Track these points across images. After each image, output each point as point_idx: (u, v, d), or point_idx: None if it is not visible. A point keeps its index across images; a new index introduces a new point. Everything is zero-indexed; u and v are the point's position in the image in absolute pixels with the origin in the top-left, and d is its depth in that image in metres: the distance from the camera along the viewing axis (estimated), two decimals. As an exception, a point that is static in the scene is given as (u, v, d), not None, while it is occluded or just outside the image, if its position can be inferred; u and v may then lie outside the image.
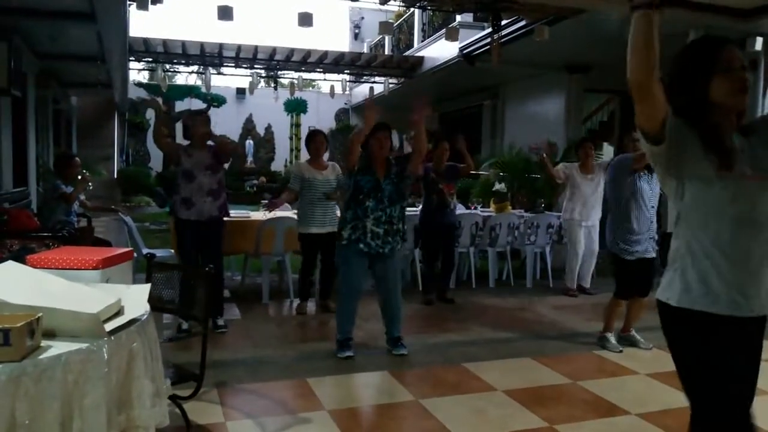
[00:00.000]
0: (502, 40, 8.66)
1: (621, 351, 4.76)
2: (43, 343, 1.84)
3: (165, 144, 5.05)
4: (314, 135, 5.84)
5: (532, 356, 4.60)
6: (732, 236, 1.84)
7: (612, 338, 4.86)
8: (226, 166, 5.15)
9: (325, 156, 5.92)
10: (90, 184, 6.11)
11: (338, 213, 5.75)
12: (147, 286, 2.40)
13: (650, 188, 4.66)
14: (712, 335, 1.89)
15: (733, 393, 1.89)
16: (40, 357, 1.77)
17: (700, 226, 1.89)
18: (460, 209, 7.39)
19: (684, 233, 1.94)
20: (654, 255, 4.77)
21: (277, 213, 6.70)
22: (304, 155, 17.73)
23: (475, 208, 7.89)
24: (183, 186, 4.84)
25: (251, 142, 20.54)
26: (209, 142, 5.00)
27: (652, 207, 4.70)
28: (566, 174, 6.71)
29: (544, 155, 7.25)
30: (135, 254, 5.36)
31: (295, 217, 6.29)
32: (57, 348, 1.84)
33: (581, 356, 4.69)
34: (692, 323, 1.92)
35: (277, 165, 20.71)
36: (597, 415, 3.54)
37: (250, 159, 20.20)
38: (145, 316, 2.20)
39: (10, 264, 2.30)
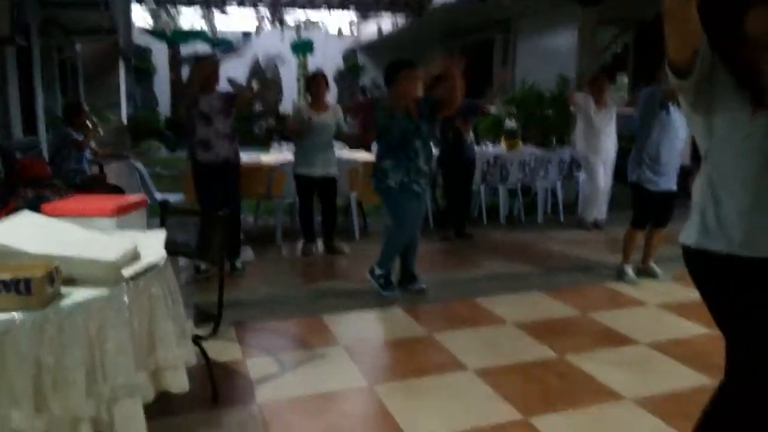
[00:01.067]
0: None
1: (637, 284, 4.80)
2: (64, 290, 1.89)
3: (188, 84, 4.96)
4: (314, 77, 5.80)
5: (543, 290, 4.66)
6: (759, 177, 1.75)
7: (630, 270, 4.90)
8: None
9: (329, 98, 5.86)
10: (100, 130, 6.13)
11: (343, 154, 5.76)
12: (162, 232, 2.44)
13: (680, 121, 4.59)
14: (731, 277, 1.83)
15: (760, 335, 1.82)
16: (61, 304, 1.82)
17: (726, 165, 1.80)
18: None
19: (708, 173, 1.86)
20: (675, 188, 4.75)
21: (288, 156, 6.71)
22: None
23: (487, 146, 7.83)
24: (200, 128, 4.82)
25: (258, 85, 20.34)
26: (219, 89, 4.96)
27: (682, 139, 4.65)
28: (582, 104, 6.62)
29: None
30: (148, 200, 5.43)
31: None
32: (77, 295, 1.88)
33: (592, 289, 4.74)
34: (711, 265, 1.86)
35: (285, 107, 20.51)
36: (607, 345, 3.62)
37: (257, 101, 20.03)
38: (163, 261, 2.25)
39: (26, 213, 2.34)
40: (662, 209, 4.77)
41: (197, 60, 5.09)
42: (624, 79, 11.70)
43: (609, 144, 6.67)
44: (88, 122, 5.89)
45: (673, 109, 4.56)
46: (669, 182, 4.69)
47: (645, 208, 4.76)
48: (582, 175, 7.25)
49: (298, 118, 5.55)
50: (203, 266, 4.86)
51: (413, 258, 4.64)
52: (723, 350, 3.55)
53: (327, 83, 5.73)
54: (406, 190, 4.34)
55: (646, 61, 10.90)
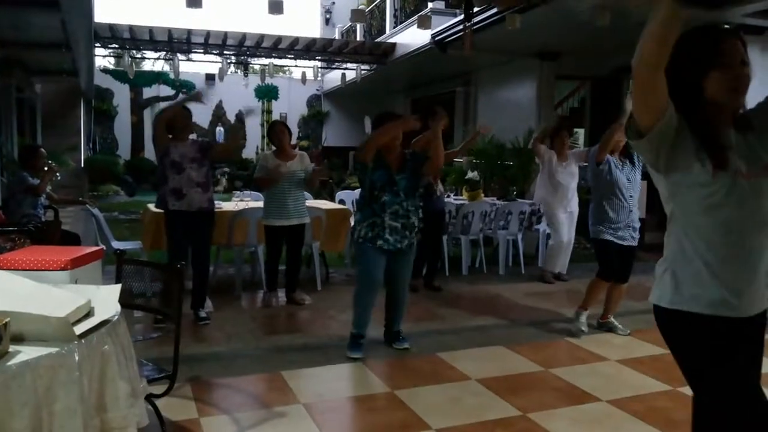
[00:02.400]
0: (474, 28, 8.66)
1: (584, 331, 4.86)
2: (11, 348, 1.80)
3: (160, 134, 4.90)
4: (273, 125, 5.77)
5: (505, 344, 4.65)
6: (725, 236, 1.77)
7: (583, 317, 4.95)
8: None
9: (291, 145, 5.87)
10: (57, 174, 5.99)
11: (306, 203, 5.72)
12: (117, 287, 2.36)
13: (628, 178, 4.71)
14: (705, 336, 1.83)
15: (732, 388, 1.84)
16: (9, 363, 1.73)
17: (692, 225, 1.82)
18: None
19: (676, 232, 1.87)
20: (635, 243, 4.84)
21: (250, 203, 6.65)
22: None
23: (449, 197, 7.91)
24: (171, 177, 4.77)
25: (221, 129, 20.28)
26: (192, 137, 4.97)
27: (631, 197, 4.74)
28: (549, 157, 6.74)
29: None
30: (104, 247, 5.28)
31: (268, 207, 6.25)
32: (26, 353, 1.79)
33: (554, 343, 4.76)
34: (685, 324, 1.85)
35: (249, 152, 20.48)
36: (569, 403, 3.60)
37: (220, 146, 19.96)
38: (117, 317, 2.17)
39: (-25, 266, 2.25)
40: (623, 264, 4.85)
41: (174, 107, 5.06)
42: (580, 134, 12.05)
43: (572, 197, 6.79)
44: (45, 166, 5.75)
45: (615, 166, 4.66)
46: (622, 237, 4.75)
47: (608, 258, 4.81)
48: (543, 228, 7.36)
49: (264, 170, 5.50)
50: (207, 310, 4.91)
51: (397, 316, 4.54)
52: (683, 407, 3.58)
53: (289, 131, 5.72)
54: (368, 245, 4.26)
55: (603, 116, 11.27)
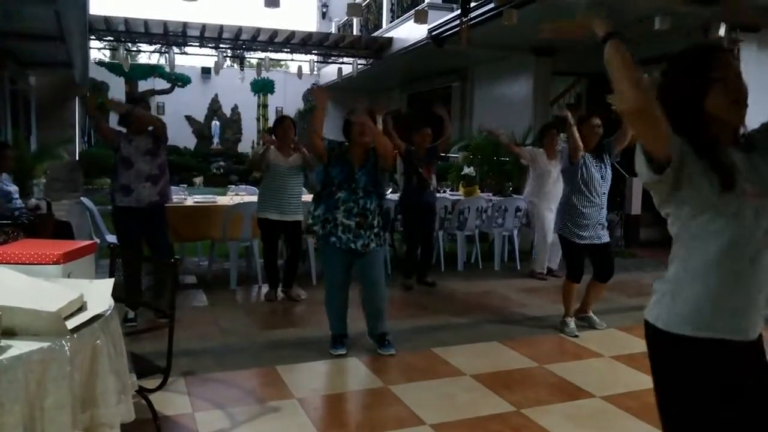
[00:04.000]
0: (471, 23, 8.64)
1: (577, 336, 4.81)
2: (3, 342, 1.79)
3: (103, 129, 4.91)
4: (281, 120, 5.72)
5: (499, 340, 4.65)
6: (728, 258, 1.72)
7: (571, 323, 4.92)
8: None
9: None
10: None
11: (302, 200, 5.69)
12: (110, 281, 2.35)
13: (602, 176, 4.70)
14: (701, 361, 1.74)
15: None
16: (0, 357, 1.72)
17: (695, 246, 1.77)
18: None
19: (679, 253, 1.83)
20: (607, 239, 4.84)
21: (245, 198, 6.64)
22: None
23: (444, 192, 7.91)
24: (121, 173, 4.71)
25: (217, 123, 20.23)
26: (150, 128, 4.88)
27: (603, 194, 4.74)
28: (532, 157, 6.75)
29: (492, 131, 7.27)
30: (98, 241, 5.27)
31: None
32: (17, 348, 1.78)
33: (547, 339, 4.76)
34: (680, 348, 1.77)
35: (244, 146, 20.46)
36: (563, 399, 3.61)
37: (216, 140, 19.90)
38: (109, 311, 2.16)
39: (-33, 259, 2.23)
40: (599, 262, 4.83)
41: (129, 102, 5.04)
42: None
43: (559, 196, 6.78)
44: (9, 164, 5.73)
45: (590, 165, 4.65)
46: (592, 236, 4.72)
47: (575, 260, 4.82)
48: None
49: (257, 157, 5.53)
50: (130, 314, 4.61)
51: (373, 317, 4.30)
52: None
53: (295, 127, 5.68)
54: (322, 242, 4.23)
55: (599, 112, 11.27)
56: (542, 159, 6.70)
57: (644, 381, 3.89)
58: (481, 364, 4.11)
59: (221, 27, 12.94)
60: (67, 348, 1.87)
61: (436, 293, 6.12)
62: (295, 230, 5.58)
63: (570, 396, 3.66)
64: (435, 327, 4.98)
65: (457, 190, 8.16)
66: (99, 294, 2.24)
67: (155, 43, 14.17)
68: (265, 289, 5.95)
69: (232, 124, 20.87)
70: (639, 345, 4.58)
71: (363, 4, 14.63)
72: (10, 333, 1.84)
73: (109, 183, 4.90)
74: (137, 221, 4.72)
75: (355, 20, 15.63)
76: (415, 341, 4.56)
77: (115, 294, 2.28)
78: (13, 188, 5.66)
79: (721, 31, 7.98)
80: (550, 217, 6.72)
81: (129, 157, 4.71)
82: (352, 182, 4.13)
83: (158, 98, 19.19)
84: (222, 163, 18.47)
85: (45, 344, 1.82)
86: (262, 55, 14.83)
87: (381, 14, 14.47)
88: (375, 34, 14.34)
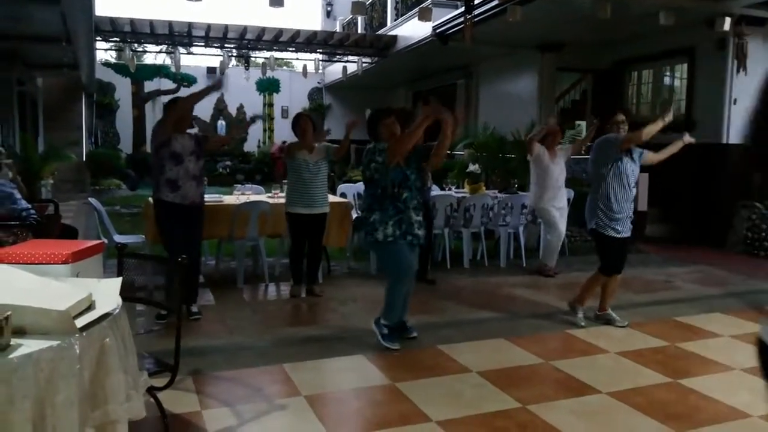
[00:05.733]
0: (475, 20, 8.64)
1: (584, 325, 4.87)
2: (13, 341, 1.81)
3: (170, 125, 4.80)
4: (298, 118, 5.67)
5: (505, 336, 4.66)
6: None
7: (580, 312, 4.97)
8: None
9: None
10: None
11: (326, 194, 5.66)
12: (118, 280, 2.38)
13: (632, 169, 4.71)
14: None
15: None
16: (11, 356, 1.74)
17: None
18: (435, 191, 7.41)
19: None
20: (629, 235, 4.85)
21: (251, 197, 6.66)
22: (277, 136, 17.60)
23: (450, 190, 7.91)
24: (169, 168, 4.73)
25: (223, 122, 20.26)
26: (191, 131, 4.95)
27: (633, 188, 4.77)
28: (538, 154, 6.70)
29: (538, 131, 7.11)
30: (106, 241, 5.30)
31: (270, 201, 6.28)
32: (28, 346, 1.81)
33: (553, 335, 4.76)
34: None
35: (250, 146, 20.48)
36: (569, 395, 3.61)
37: (222, 140, 19.95)
38: (117, 310, 2.18)
39: (-24, 260, 2.26)
40: (620, 256, 4.86)
41: (174, 100, 4.99)
42: (582, 126, 12.01)
43: (563, 192, 6.81)
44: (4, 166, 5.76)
45: (626, 158, 4.68)
46: (624, 229, 4.77)
47: (612, 254, 4.81)
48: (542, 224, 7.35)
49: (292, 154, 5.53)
50: (194, 308, 4.85)
51: (405, 307, 4.55)
52: (682, 399, 3.60)
53: (314, 124, 5.66)
54: (398, 242, 4.24)
55: (604, 108, 11.26)
56: (545, 156, 6.67)
57: (651, 377, 3.91)
58: (487, 361, 4.12)
59: (226, 27, 12.98)
60: (76, 346, 1.89)
61: (442, 290, 6.12)
62: (322, 223, 5.59)
63: (576, 392, 3.66)
64: (441, 324, 4.99)
65: (463, 188, 8.16)
66: (107, 293, 2.26)
67: (161, 44, 14.24)
68: (272, 287, 5.98)
69: (238, 123, 20.89)
70: (646, 341, 4.59)
71: (367, 3, 14.64)
72: (20, 332, 1.87)
73: (154, 178, 4.86)
74: (180, 218, 4.78)
75: (359, 18, 15.64)
76: (421, 338, 4.57)
77: (125, 295, 2.31)
78: (14, 189, 5.69)
79: (726, 26, 7.96)
80: (558, 215, 6.72)
81: (180, 153, 4.74)
82: (407, 180, 4.25)
83: (164, 98, 19.23)
84: (228, 163, 18.50)
85: (54, 343, 1.84)
86: (267, 54, 14.84)
87: (385, 12, 14.48)
88: (379, 32, 14.35)
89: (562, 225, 6.81)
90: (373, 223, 4.26)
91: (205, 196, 5.61)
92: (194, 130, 5.18)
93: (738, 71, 8.55)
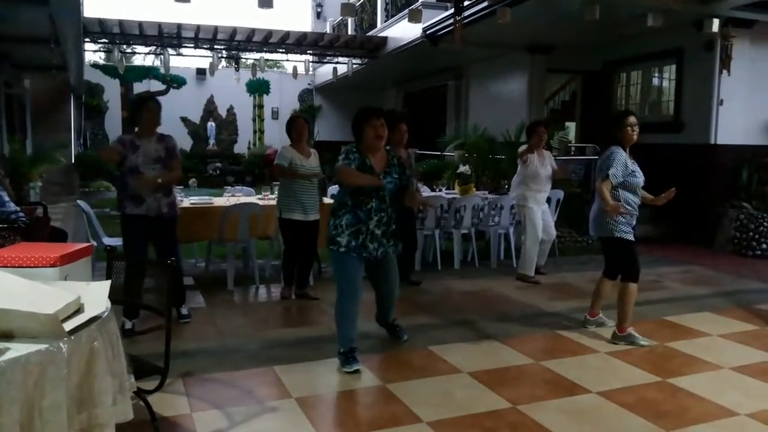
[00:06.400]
0: (465, 21, 8.66)
1: (651, 345, 4.52)
2: (1, 345, 1.80)
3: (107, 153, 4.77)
4: (295, 120, 5.60)
5: (496, 337, 4.67)
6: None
7: (636, 332, 4.58)
8: None
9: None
10: None
11: (318, 201, 5.59)
12: (107, 283, 2.36)
13: (641, 177, 4.56)
14: None
15: None
16: (-2, 360, 1.74)
17: None
18: (425, 191, 7.43)
19: None
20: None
21: (241, 199, 6.66)
22: (267, 138, 17.56)
23: (440, 191, 7.93)
24: (131, 182, 4.55)
25: (213, 124, 20.19)
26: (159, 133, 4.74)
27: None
28: (528, 157, 6.66)
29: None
30: (95, 244, 5.27)
31: (260, 203, 6.26)
32: (15, 350, 1.80)
33: (543, 336, 4.78)
34: None
35: (240, 147, 20.43)
36: (559, 395, 3.63)
37: (212, 141, 19.87)
38: (106, 313, 2.17)
39: (-36, 263, 2.24)
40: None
41: (140, 101, 4.81)
42: (571, 127, 12.08)
43: (546, 194, 6.74)
44: None
45: (635, 168, 4.51)
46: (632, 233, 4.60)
47: (634, 259, 4.55)
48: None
49: (285, 161, 5.39)
50: (127, 325, 4.50)
51: (388, 312, 4.47)
52: (671, 398, 3.63)
53: (308, 124, 5.59)
54: (349, 254, 3.94)
55: (593, 109, 11.32)
56: (535, 158, 6.55)
57: (640, 376, 3.93)
58: (478, 362, 4.13)
59: (216, 28, 12.94)
60: (64, 350, 1.88)
61: (433, 291, 6.13)
62: (315, 229, 5.57)
63: (566, 392, 3.68)
64: (432, 325, 5.00)
65: (453, 189, 8.18)
66: (96, 296, 2.25)
67: (150, 45, 14.16)
68: (262, 289, 5.97)
69: (228, 125, 20.80)
70: (634, 340, 4.60)
71: (357, 4, 14.64)
72: (7, 335, 1.86)
73: (116, 194, 4.66)
74: (147, 229, 4.62)
75: (349, 20, 15.63)
76: (412, 339, 4.57)
77: (114, 297, 2.30)
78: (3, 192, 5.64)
79: (714, 27, 8.02)
80: (540, 218, 6.64)
81: (137, 166, 4.56)
82: (380, 189, 3.96)
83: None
84: (218, 164, 18.45)
85: (42, 346, 1.84)
86: (257, 55, 14.81)
87: (375, 14, 14.48)
88: (370, 33, 14.36)
89: (549, 226, 6.78)
90: (335, 227, 3.97)
91: (195, 198, 5.61)
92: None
93: (721, 72, 8.63)
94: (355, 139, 4.07)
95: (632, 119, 4.56)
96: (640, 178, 4.53)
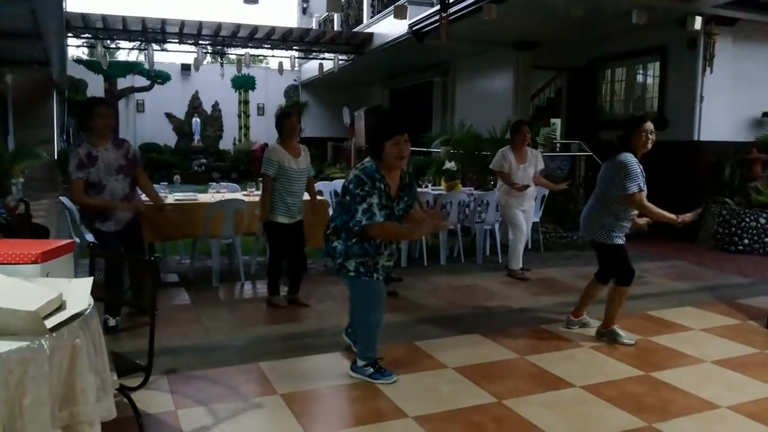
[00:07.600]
0: (451, 18, 8.67)
1: (634, 343, 4.45)
2: (-19, 342, 1.79)
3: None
4: (288, 116, 5.21)
5: (481, 332, 4.69)
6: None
7: (621, 330, 4.54)
8: None
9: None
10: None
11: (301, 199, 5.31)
12: (89, 279, 2.35)
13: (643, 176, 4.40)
14: None
15: None
16: (-22, 357, 1.72)
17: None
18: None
19: None
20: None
21: (226, 195, 6.62)
22: (253, 134, 17.41)
23: (426, 187, 7.94)
24: (117, 207, 4.41)
25: (198, 120, 20.07)
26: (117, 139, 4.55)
27: None
28: (503, 158, 6.55)
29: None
30: (77, 240, 5.23)
31: (245, 198, 6.23)
32: (-4, 347, 1.78)
33: (528, 331, 4.80)
34: None
35: (226, 143, 20.34)
36: (543, 389, 3.65)
37: (197, 137, 19.75)
38: (88, 310, 2.16)
39: (-57, 260, 2.22)
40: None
41: (89, 106, 4.48)
42: (557, 124, 12.12)
43: (530, 196, 6.77)
44: None
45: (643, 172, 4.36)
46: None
47: (627, 262, 4.46)
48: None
49: (273, 167, 5.03)
50: (111, 322, 4.44)
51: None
52: (654, 391, 3.66)
53: (300, 121, 5.32)
54: (364, 278, 3.66)
55: (578, 106, 11.37)
56: (511, 158, 6.51)
57: (623, 370, 3.97)
58: (463, 357, 4.14)
59: (200, 23, 12.86)
60: (46, 347, 1.87)
61: (419, 287, 6.13)
62: (300, 231, 5.28)
63: (550, 386, 3.70)
64: (418, 321, 5.01)
65: (439, 185, 8.19)
66: (78, 293, 2.23)
67: (134, 40, 14.05)
68: (248, 285, 5.95)
69: (213, 120, 20.69)
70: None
71: (343, 0, 14.61)
72: (-12, 333, 1.84)
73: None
74: (118, 240, 4.50)
75: (335, 16, 15.60)
76: (398, 335, 4.58)
77: (97, 295, 2.28)
78: None
79: (697, 25, 8.09)
80: (522, 216, 6.66)
81: (99, 181, 4.33)
82: (392, 214, 3.59)
83: (138, 96, 19.02)
84: (203, 160, 18.34)
85: (24, 344, 1.82)
86: (242, 51, 14.74)
87: (361, 10, 14.47)
88: (356, 29, 14.33)
89: (525, 226, 6.79)
90: (344, 254, 3.62)
91: (180, 194, 5.55)
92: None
93: (704, 70, 8.71)
94: (371, 152, 3.61)
95: (649, 125, 4.29)
96: (645, 187, 4.35)
